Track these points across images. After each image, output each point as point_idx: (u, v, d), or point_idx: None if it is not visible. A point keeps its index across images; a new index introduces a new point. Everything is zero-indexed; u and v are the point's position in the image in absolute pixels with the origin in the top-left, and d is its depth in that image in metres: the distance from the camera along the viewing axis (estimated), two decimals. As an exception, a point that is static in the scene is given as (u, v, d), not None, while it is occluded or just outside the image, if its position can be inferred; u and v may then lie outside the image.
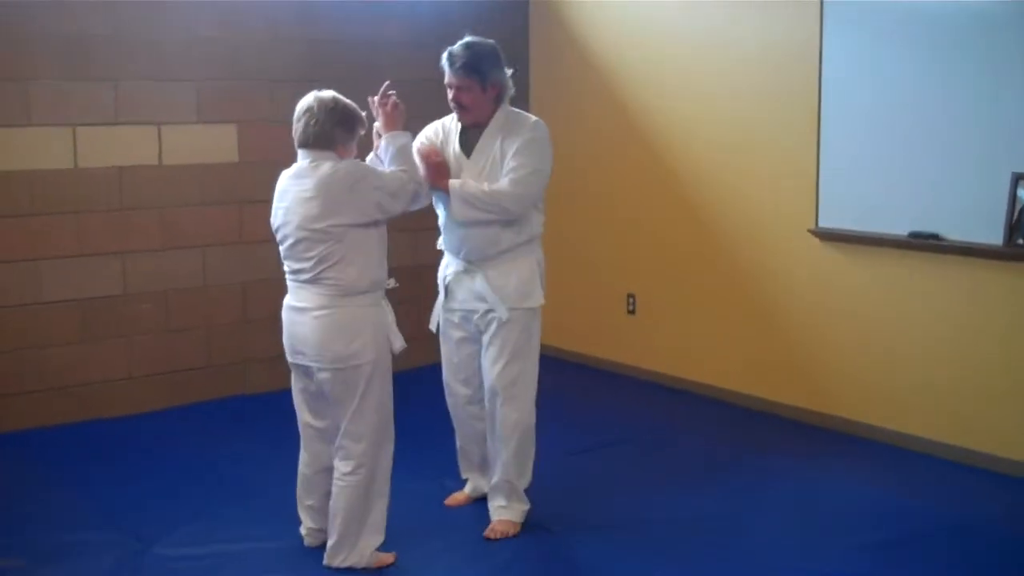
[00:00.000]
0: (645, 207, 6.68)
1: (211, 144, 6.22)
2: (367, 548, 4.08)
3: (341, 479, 4.05)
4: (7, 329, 5.71)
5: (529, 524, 4.52)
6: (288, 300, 4.14)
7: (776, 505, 4.77)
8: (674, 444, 5.59)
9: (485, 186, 4.24)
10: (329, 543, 4.09)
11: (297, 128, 4.03)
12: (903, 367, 5.47)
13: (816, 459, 5.34)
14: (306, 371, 4.11)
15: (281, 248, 4.11)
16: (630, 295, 6.85)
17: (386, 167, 4.16)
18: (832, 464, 5.28)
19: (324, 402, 4.11)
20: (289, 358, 4.18)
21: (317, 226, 3.93)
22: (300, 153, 4.04)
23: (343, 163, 3.97)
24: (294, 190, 4.00)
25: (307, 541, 4.30)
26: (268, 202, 6.29)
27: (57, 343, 5.85)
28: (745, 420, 6.01)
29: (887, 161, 5.39)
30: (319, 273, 3.97)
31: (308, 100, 4.05)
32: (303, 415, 4.24)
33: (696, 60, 6.28)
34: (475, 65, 4.33)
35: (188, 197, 6.17)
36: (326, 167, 3.92)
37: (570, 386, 6.66)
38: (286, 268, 4.11)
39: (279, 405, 6.11)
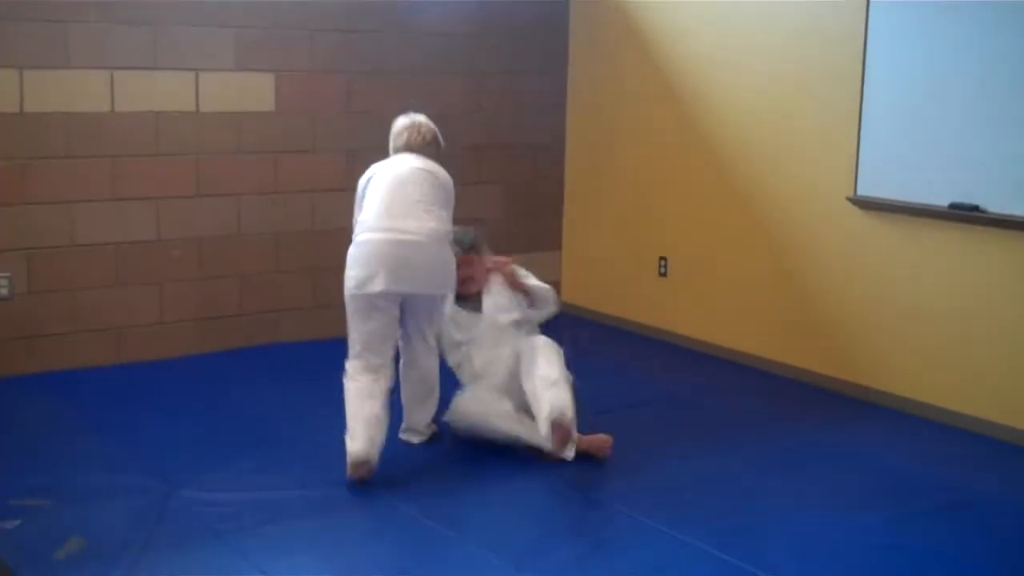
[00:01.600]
0: (680, 171, 6.63)
1: (248, 93, 6.20)
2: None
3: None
4: (41, 271, 5.74)
5: (556, 482, 4.52)
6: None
7: (801, 473, 4.75)
8: (701, 408, 5.57)
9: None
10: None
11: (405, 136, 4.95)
12: (939, 340, 5.42)
13: (845, 429, 5.31)
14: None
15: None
16: (662, 258, 6.81)
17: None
18: (861, 434, 5.24)
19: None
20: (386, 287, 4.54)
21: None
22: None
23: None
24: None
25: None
26: (304, 152, 6.38)
27: (90, 286, 5.88)
28: (774, 387, 5.98)
29: (929, 131, 5.31)
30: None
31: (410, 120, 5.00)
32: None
33: (737, 25, 6.20)
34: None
35: (224, 145, 6.16)
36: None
37: (599, 347, 6.65)
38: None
39: (310, 354, 6.19)
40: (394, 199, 4.64)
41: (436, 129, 4.98)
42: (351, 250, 4.67)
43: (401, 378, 4.91)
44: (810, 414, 5.55)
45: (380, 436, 4.53)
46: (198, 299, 6.21)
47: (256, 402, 5.46)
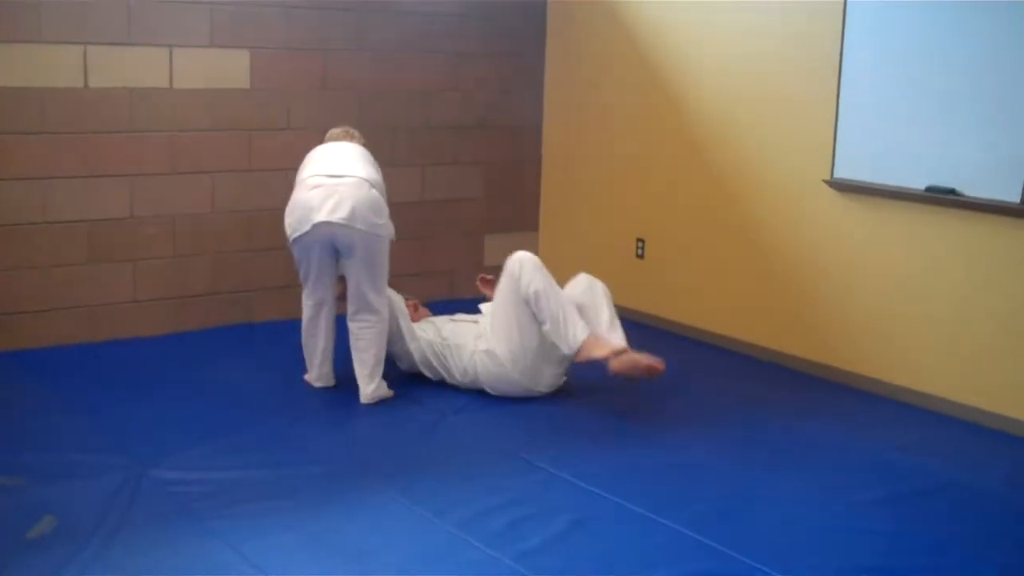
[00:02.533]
0: (657, 152, 6.62)
1: (223, 69, 6.14)
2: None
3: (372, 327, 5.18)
4: (14, 247, 5.68)
5: (525, 465, 4.53)
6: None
7: (780, 457, 4.75)
8: (678, 391, 5.56)
9: None
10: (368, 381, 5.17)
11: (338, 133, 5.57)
12: (915, 322, 5.43)
13: (824, 412, 5.31)
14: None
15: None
16: (639, 239, 6.80)
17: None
18: (837, 417, 5.25)
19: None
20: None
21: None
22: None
23: None
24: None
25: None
26: (278, 130, 6.34)
27: (63, 263, 5.82)
28: (751, 370, 5.99)
29: (906, 114, 5.32)
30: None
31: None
32: None
33: (716, 7, 6.18)
34: None
35: (198, 122, 6.11)
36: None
37: (576, 328, 6.63)
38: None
39: (283, 334, 6.14)
40: (330, 159, 5.24)
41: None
42: (289, 202, 5.21)
43: (351, 346, 5.26)
44: (789, 397, 5.55)
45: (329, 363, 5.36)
46: (172, 277, 6.16)
47: (230, 381, 5.43)
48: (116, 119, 5.85)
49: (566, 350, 5.05)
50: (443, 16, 6.85)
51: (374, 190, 5.13)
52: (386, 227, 5.19)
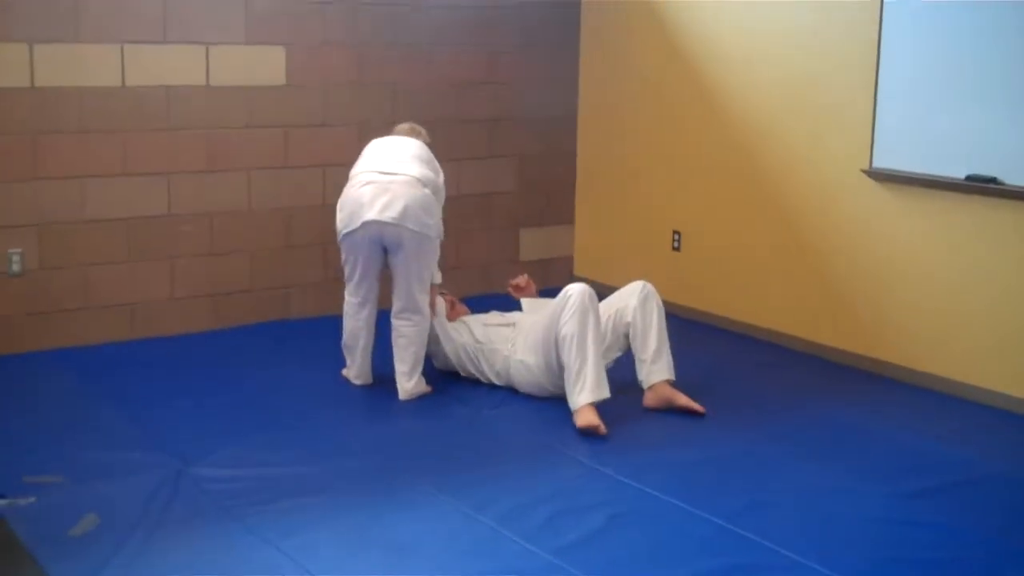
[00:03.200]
0: (692, 143, 6.58)
1: (259, 66, 6.16)
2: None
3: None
4: (54, 246, 5.73)
5: (563, 459, 4.52)
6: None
7: (817, 448, 4.72)
8: (714, 383, 5.53)
9: None
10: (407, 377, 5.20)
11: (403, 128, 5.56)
12: (955, 313, 5.38)
13: (861, 403, 5.28)
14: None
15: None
16: (676, 232, 6.77)
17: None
18: (877, 409, 5.22)
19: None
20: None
21: None
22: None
23: None
24: None
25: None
26: (314, 127, 6.35)
27: (101, 261, 5.87)
28: (789, 361, 5.95)
29: (945, 102, 5.26)
30: None
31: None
32: None
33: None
34: None
35: (234, 119, 6.13)
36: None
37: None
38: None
39: (321, 330, 6.17)
40: (385, 155, 5.23)
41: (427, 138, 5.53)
42: (341, 196, 5.22)
43: (393, 342, 5.29)
44: (827, 388, 5.52)
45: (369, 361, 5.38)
46: (209, 275, 6.19)
47: (268, 378, 5.44)
48: (153, 117, 5.89)
49: (569, 403, 4.92)
50: (476, 9, 6.84)
51: (426, 189, 5.13)
52: (436, 227, 5.20)
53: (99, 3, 5.65)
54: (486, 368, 5.35)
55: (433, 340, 5.41)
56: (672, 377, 5.09)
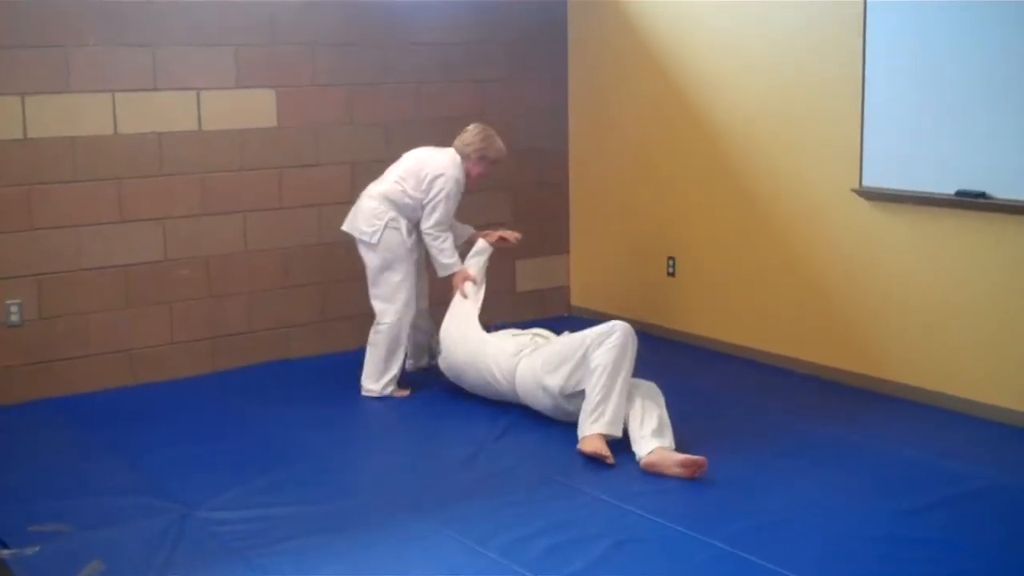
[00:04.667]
0: (685, 168, 6.62)
1: (250, 109, 6.21)
2: None
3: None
4: (51, 296, 5.75)
5: (565, 490, 4.53)
6: None
7: (816, 468, 4.74)
8: (715, 407, 5.56)
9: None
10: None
11: None
12: (950, 328, 5.40)
13: (860, 421, 5.30)
14: None
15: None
16: (670, 258, 6.80)
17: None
18: (876, 427, 5.23)
19: None
20: None
21: None
22: None
23: None
24: None
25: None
26: (308, 167, 6.39)
27: (99, 309, 5.89)
28: (787, 383, 5.97)
29: (932, 119, 5.30)
30: None
31: None
32: None
33: (737, 22, 6.19)
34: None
35: (228, 163, 6.17)
36: None
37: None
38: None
39: (321, 369, 6.19)
40: (389, 168, 5.87)
41: (479, 134, 5.82)
42: None
43: None
44: (826, 408, 5.54)
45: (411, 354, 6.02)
46: (207, 318, 6.22)
47: (269, 419, 5.45)
48: (147, 163, 5.93)
49: (579, 430, 4.92)
50: (464, 45, 6.90)
51: (372, 200, 5.68)
52: (375, 235, 5.65)
53: (89, 53, 5.70)
54: (493, 368, 5.40)
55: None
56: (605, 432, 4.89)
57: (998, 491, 4.47)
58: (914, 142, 5.39)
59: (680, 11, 6.52)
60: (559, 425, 5.24)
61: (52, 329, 5.78)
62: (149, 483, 4.64)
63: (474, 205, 7.03)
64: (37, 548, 3.99)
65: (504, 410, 5.49)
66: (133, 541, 4.06)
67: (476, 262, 5.97)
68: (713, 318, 6.58)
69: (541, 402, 5.24)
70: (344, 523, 4.22)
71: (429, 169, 5.70)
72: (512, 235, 6.06)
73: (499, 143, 5.85)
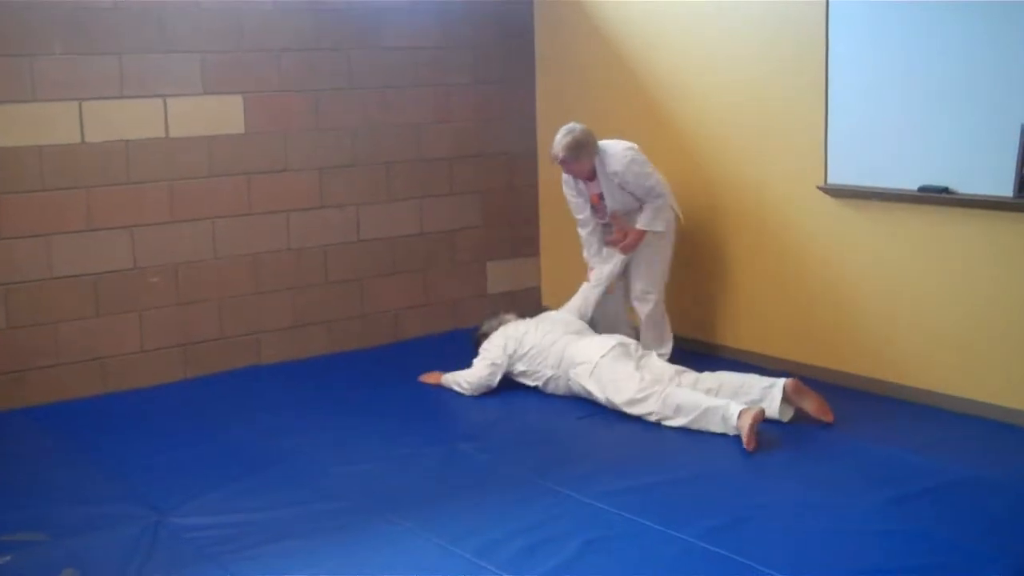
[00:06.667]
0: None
1: (217, 115, 6.20)
2: None
3: None
4: (20, 305, 5.73)
5: (538, 489, 4.55)
6: None
7: (794, 463, 4.78)
8: (687, 404, 5.59)
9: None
10: None
11: None
12: (918, 322, 5.46)
13: (835, 417, 5.33)
14: None
15: None
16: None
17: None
18: (847, 421, 5.25)
19: None
20: None
21: None
22: None
23: None
24: None
25: None
26: (276, 172, 6.39)
27: (70, 317, 5.87)
28: (758, 379, 6.01)
29: (895, 116, 5.36)
30: None
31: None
32: None
33: (701, 21, 6.24)
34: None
35: (196, 169, 6.16)
36: None
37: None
38: None
39: (292, 374, 6.18)
40: None
41: (574, 133, 5.94)
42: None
43: None
44: (796, 404, 5.58)
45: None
46: (178, 325, 6.20)
47: (242, 425, 5.45)
48: (115, 171, 5.91)
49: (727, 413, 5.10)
50: (430, 50, 6.92)
51: None
52: None
53: (55, 61, 5.68)
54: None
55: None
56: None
57: (972, 484, 4.50)
58: (878, 139, 5.45)
59: (645, 14, 6.56)
60: (535, 424, 5.28)
61: (22, 338, 5.75)
62: (123, 490, 4.63)
63: (444, 211, 7.07)
64: (8, 558, 3.99)
65: (480, 408, 5.53)
66: (107, 548, 4.06)
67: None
68: (682, 317, 6.61)
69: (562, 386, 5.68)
70: (318, 527, 4.23)
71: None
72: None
73: (554, 145, 5.96)
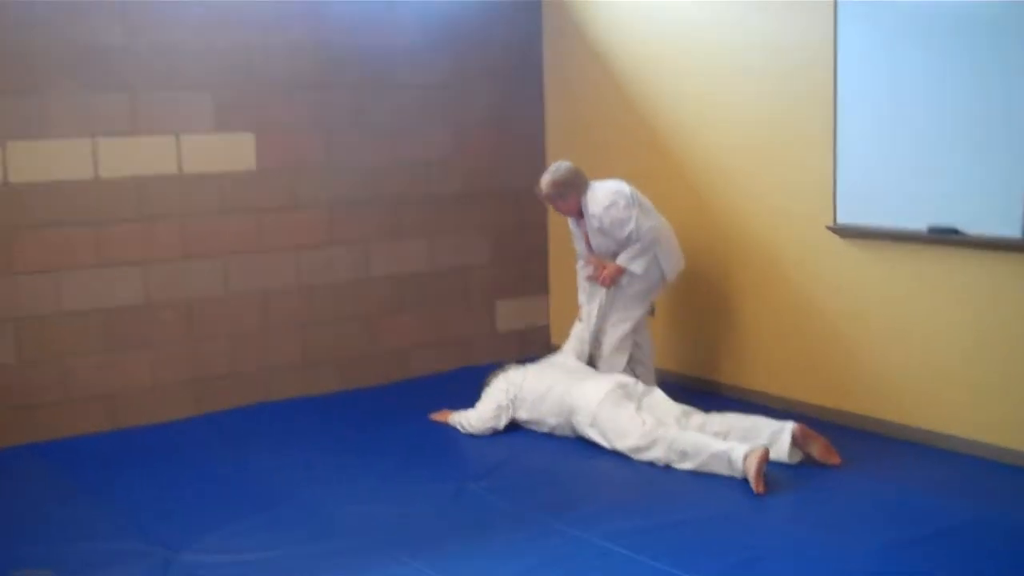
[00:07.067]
0: (662, 209, 6.64)
1: (229, 153, 6.24)
2: None
3: None
4: (31, 340, 5.75)
5: (549, 529, 4.54)
6: None
7: (803, 504, 4.76)
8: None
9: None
10: None
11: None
12: (925, 362, 5.45)
13: (840, 457, 5.32)
14: None
15: None
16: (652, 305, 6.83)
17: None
18: (855, 461, 5.24)
19: None
20: None
21: None
22: None
23: None
24: None
25: None
26: (287, 210, 6.42)
27: (80, 353, 5.89)
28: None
29: (903, 156, 5.37)
30: None
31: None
32: None
33: (710, 60, 6.27)
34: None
35: (208, 206, 6.20)
36: None
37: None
38: None
39: (302, 411, 6.18)
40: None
41: (559, 171, 6.03)
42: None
43: None
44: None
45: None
46: (189, 361, 6.22)
47: (252, 462, 5.45)
48: (127, 208, 5.95)
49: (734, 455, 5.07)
50: (440, 88, 6.96)
51: None
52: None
53: (69, 99, 5.73)
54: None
55: None
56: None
57: (980, 526, 4.48)
58: (886, 180, 5.46)
59: (656, 54, 6.60)
60: (544, 464, 5.27)
61: (31, 374, 5.77)
62: (133, 527, 4.63)
63: (453, 248, 7.10)
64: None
65: (489, 447, 5.53)
66: (117, 586, 4.06)
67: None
68: (692, 356, 6.62)
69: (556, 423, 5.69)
70: (327, 565, 4.21)
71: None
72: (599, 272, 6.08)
73: (540, 182, 6.04)
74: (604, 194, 5.91)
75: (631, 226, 5.82)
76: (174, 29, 6.00)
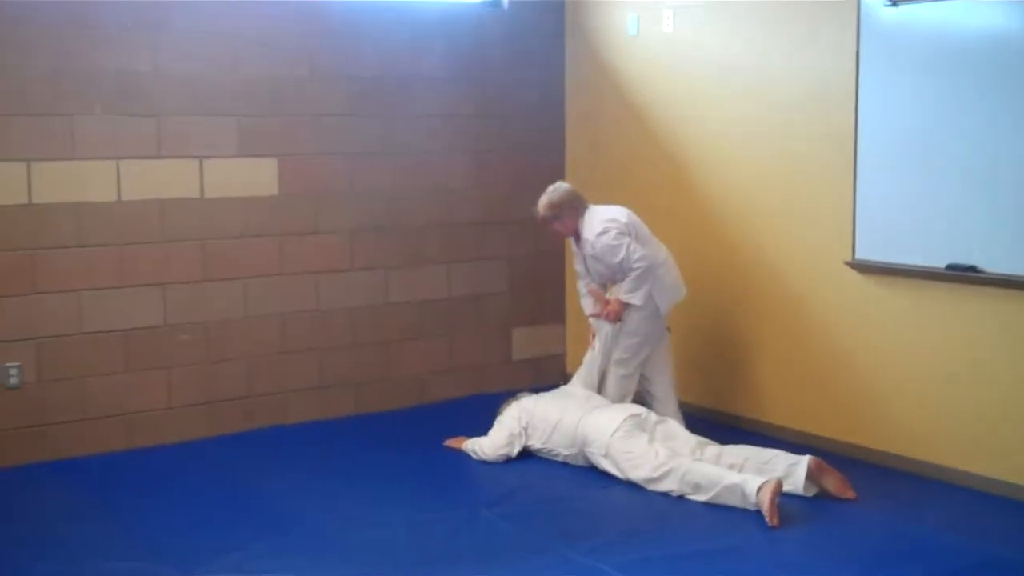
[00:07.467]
0: (680, 242, 6.66)
1: (252, 177, 6.29)
2: None
3: None
4: (51, 359, 5.79)
5: (562, 559, 4.53)
6: None
7: (818, 539, 4.75)
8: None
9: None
10: None
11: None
12: (943, 399, 5.44)
13: (858, 493, 5.29)
14: None
15: None
16: (666, 328, 6.84)
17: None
18: (874, 498, 5.22)
19: None
20: None
21: None
22: None
23: None
24: None
25: None
26: (308, 235, 6.45)
27: (99, 372, 5.93)
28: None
29: (923, 193, 5.38)
30: None
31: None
32: None
33: (731, 95, 6.30)
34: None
35: (229, 230, 6.24)
36: None
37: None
38: None
39: (318, 435, 6.20)
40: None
41: (556, 192, 6.08)
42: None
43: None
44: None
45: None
46: (206, 383, 6.25)
47: (267, 485, 5.47)
48: (149, 230, 6.00)
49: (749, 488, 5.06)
50: (463, 117, 7.00)
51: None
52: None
53: (94, 121, 5.79)
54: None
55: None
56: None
57: (995, 565, 4.46)
58: (906, 216, 5.47)
59: (677, 90, 6.63)
60: (558, 492, 5.27)
61: (51, 392, 5.81)
62: (146, 547, 4.65)
63: (470, 275, 7.12)
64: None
65: (504, 474, 5.53)
66: (130, 605, 4.07)
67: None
68: (705, 388, 6.62)
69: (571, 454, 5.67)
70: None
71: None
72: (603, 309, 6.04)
73: (538, 203, 6.06)
74: (599, 221, 5.91)
75: (622, 254, 5.79)
76: (202, 57, 6.06)
